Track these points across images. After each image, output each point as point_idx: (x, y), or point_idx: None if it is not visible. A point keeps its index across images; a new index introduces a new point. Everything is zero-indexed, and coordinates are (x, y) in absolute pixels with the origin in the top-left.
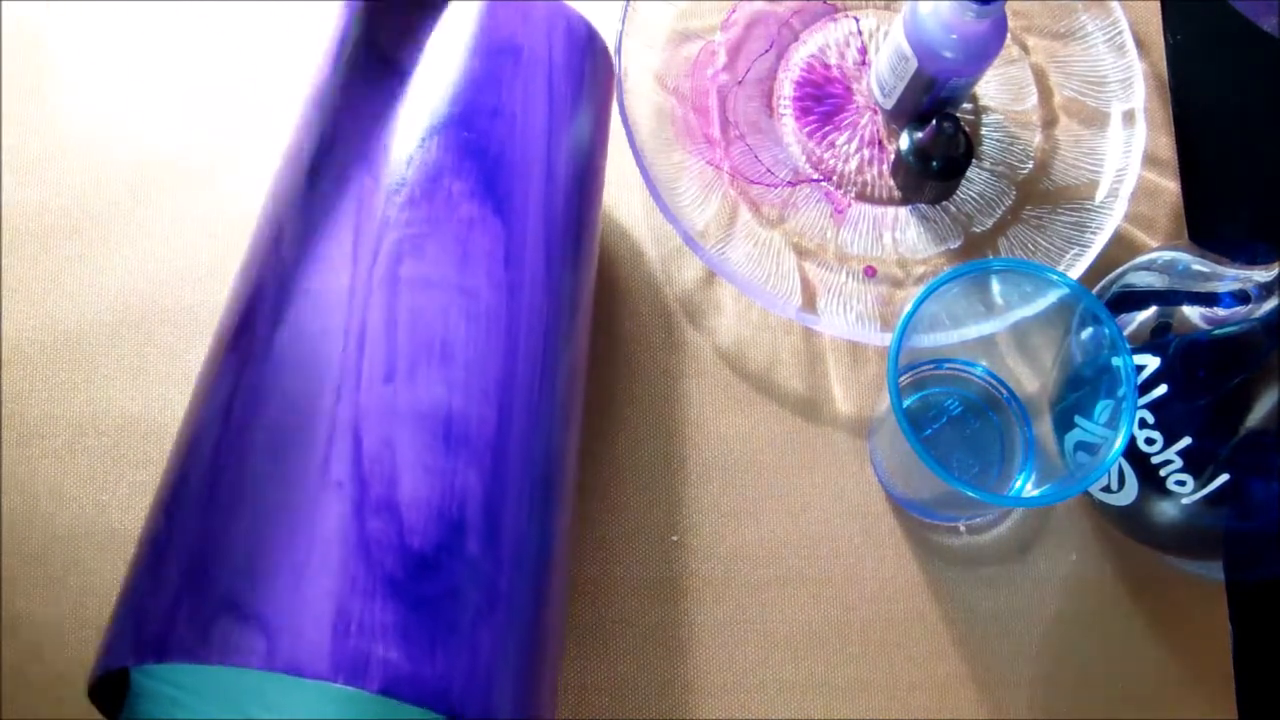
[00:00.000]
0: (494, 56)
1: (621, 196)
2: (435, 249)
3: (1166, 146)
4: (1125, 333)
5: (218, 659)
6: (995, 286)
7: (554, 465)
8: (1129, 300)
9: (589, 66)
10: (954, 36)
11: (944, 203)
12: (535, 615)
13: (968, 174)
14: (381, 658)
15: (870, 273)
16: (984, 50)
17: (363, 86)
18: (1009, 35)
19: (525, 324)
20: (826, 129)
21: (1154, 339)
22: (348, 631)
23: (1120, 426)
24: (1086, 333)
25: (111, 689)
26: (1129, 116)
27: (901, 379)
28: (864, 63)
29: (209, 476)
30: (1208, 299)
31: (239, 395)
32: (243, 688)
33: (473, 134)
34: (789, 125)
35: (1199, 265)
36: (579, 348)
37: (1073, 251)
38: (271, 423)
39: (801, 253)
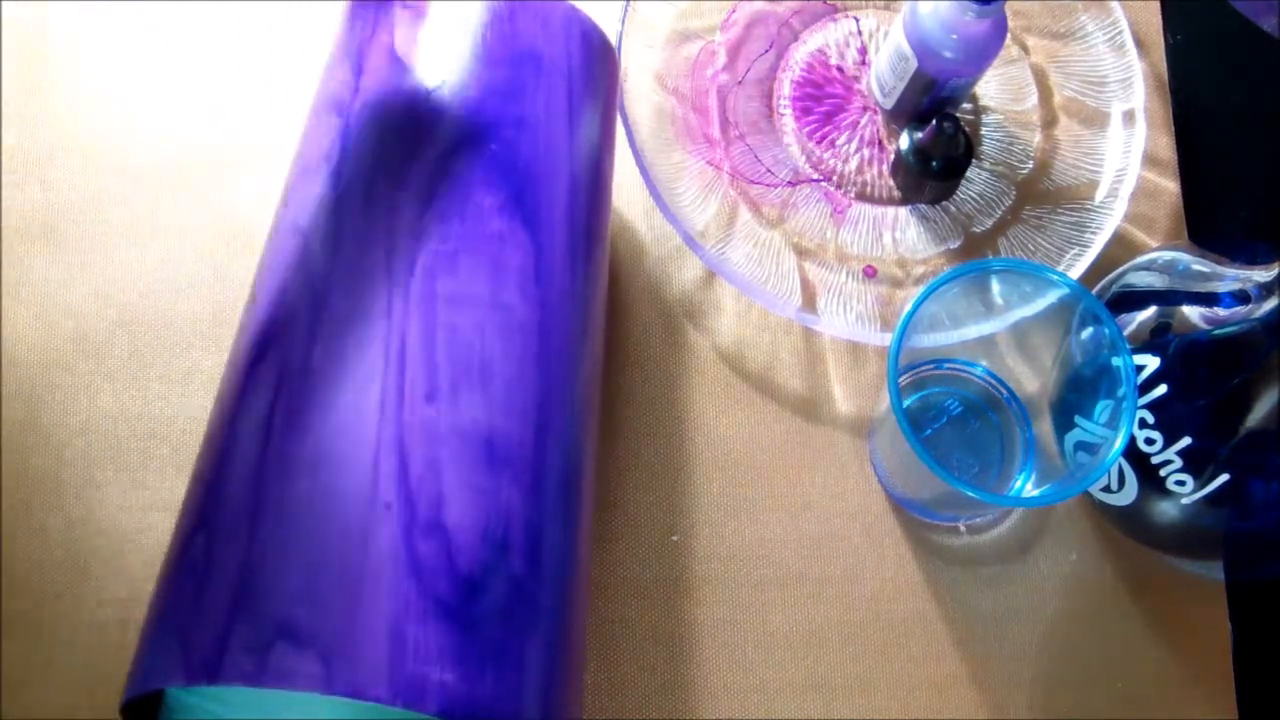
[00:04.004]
0: (516, 65)
1: (621, 196)
2: (469, 264)
3: (1166, 146)
4: (1125, 333)
5: (277, 684)
6: (995, 286)
7: (579, 475)
8: (1129, 300)
9: (601, 72)
10: (954, 36)
11: (944, 203)
12: (570, 627)
13: (968, 174)
14: (438, 680)
15: (870, 273)
16: (984, 50)
17: (384, 95)
18: (1009, 35)
19: (555, 337)
20: (826, 129)
21: (1154, 339)
22: (404, 655)
23: (1120, 426)
24: (1086, 333)
25: (139, 702)
26: (1129, 116)
27: (901, 379)
28: (864, 63)
29: (252, 494)
30: (1208, 299)
31: (278, 411)
32: (281, 697)
33: (499, 146)
34: (789, 125)
35: (1199, 265)
36: (597, 354)
37: (1073, 251)
38: (315, 441)
39: (801, 253)
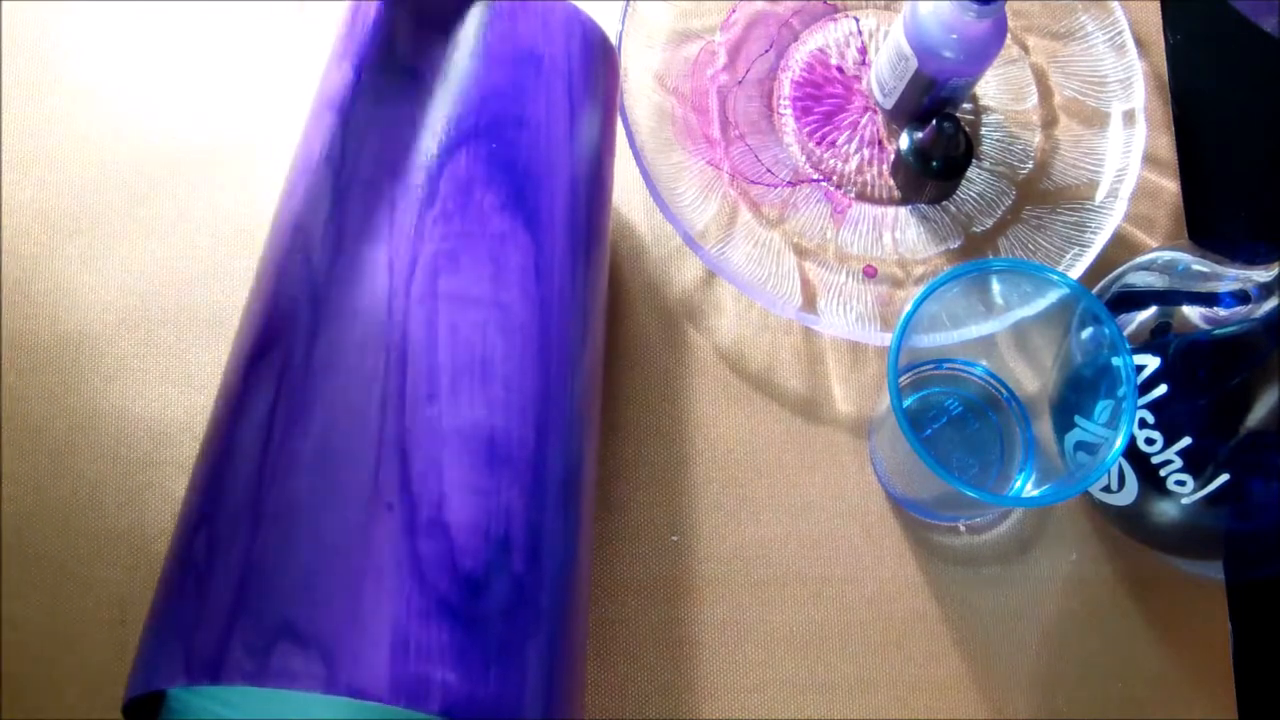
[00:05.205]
0: (516, 65)
1: (621, 196)
2: (469, 263)
3: (1166, 146)
4: (1125, 333)
5: (279, 684)
6: (995, 286)
7: (580, 475)
8: (1129, 300)
9: (602, 72)
10: (954, 36)
11: (944, 203)
12: (571, 627)
13: (968, 174)
14: (440, 680)
15: (870, 273)
16: (984, 50)
17: (385, 94)
18: (1009, 35)
19: (555, 337)
20: (826, 129)
21: (1154, 339)
22: (406, 655)
23: (1120, 426)
24: (1086, 333)
25: (141, 702)
26: (1129, 116)
27: (901, 379)
28: (864, 63)
29: (253, 493)
30: (1208, 299)
31: (279, 410)
32: (283, 697)
33: (500, 145)
34: (789, 125)
35: (1199, 265)
36: (597, 354)
37: (1073, 251)
38: (317, 440)
39: (801, 253)
